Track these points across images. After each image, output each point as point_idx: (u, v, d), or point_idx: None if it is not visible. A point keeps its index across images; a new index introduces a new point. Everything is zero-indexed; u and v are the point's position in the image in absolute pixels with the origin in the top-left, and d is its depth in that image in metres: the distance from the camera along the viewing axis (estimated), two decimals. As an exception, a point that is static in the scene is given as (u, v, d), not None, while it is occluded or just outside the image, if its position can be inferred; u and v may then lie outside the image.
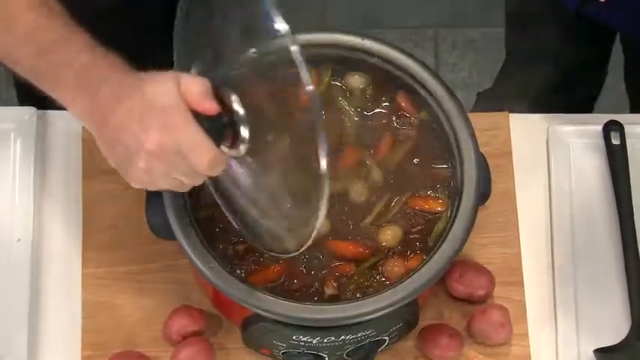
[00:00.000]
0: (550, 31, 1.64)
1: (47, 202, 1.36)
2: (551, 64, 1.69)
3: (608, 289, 1.33)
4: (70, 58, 1.05)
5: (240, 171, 1.09)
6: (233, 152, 1.06)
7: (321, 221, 1.03)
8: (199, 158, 1.02)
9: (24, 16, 1.06)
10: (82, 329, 1.30)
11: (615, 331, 1.30)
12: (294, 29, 1.25)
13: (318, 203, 1.01)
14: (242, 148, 1.05)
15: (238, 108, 1.04)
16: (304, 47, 1.23)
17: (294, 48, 0.98)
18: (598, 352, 1.28)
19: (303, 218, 1.04)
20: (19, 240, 1.31)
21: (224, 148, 1.06)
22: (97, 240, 1.33)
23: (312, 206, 1.02)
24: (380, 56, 1.26)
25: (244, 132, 1.04)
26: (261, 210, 1.12)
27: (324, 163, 0.99)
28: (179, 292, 1.31)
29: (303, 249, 1.08)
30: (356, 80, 1.27)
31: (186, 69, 1.08)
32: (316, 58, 1.26)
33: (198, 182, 1.07)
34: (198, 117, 1.02)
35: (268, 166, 1.08)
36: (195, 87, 1.02)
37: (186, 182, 1.06)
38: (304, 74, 0.97)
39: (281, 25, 0.98)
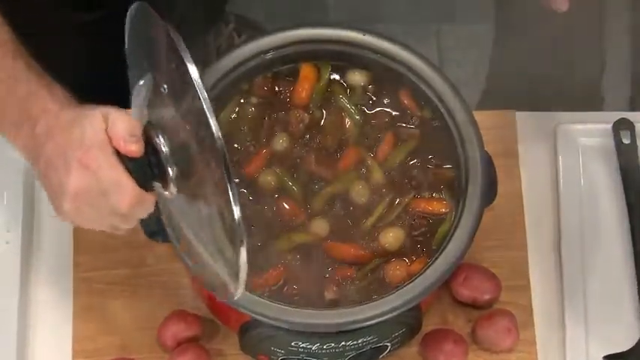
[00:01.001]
0: None
1: (37, 203, 1.36)
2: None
3: (618, 293, 1.33)
4: (10, 90, 1.06)
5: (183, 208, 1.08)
6: (167, 192, 1.05)
7: (243, 274, 1.00)
8: (119, 198, 1.02)
9: None
10: (72, 336, 1.30)
11: (626, 337, 1.30)
12: (295, 24, 1.26)
13: (237, 254, 0.99)
14: (173, 188, 1.05)
15: (163, 148, 1.03)
16: (303, 43, 1.26)
17: (203, 95, 0.96)
18: (608, 358, 1.28)
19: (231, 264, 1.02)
20: (7, 242, 1.31)
21: (158, 187, 1.05)
22: (89, 243, 1.33)
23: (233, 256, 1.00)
24: (381, 52, 1.26)
25: (171, 172, 1.03)
26: (200, 248, 1.10)
27: (237, 212, 0.97)
28: (174, 296, 1.31)
29: (237, 295, 1.04)
30: (357, 77, 1.27)
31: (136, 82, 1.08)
32: (316, 54, 1.26)
33: (129, 225, 1.08)
34: (124, 156, 1.03)
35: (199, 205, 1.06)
36: (121, 126, 1.02)
37: (116, 224, 1.07)
38: (214, 125, 0.96)
39: (193, 72, 0.96)
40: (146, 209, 1.06)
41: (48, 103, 1.05)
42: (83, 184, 1.02)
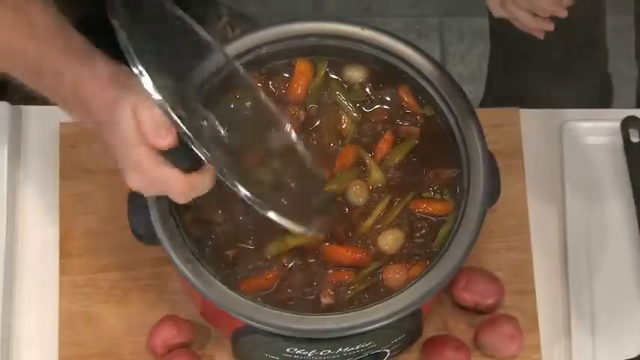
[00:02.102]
0: None
1: (21, 203, 1.36)
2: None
3: (626, 297, 1.33)
4: (57, 80, 1.10)
5: None
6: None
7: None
8: (173, 190, 1.11)
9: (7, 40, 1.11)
10: (59, 341, 1.29)
11: (634, 343, 1.30)
12: (290, 17, 1.26)
13: None
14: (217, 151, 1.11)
15: (183, 129, 1.07)
16: (299, 38, 1.25)
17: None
18: (615, 365, 1.29)
19: None
20: (-9, 245, 1.31)
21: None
22: (76, 245, 1.33)
23: None
24: (381, 47, 1.25)
25: (198, 150, 1.08)
26: None
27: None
28: (165, 301, 1.31)
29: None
30: (355, 73, 1.27)
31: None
32: (312, 49, 1.26)
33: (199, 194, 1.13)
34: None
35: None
36: (149, 122, 1.08)
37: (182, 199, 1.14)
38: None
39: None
40: (202, 189, 1.12)
41: (93, 86, 1.10)
42: (137, 183, 1.10)
